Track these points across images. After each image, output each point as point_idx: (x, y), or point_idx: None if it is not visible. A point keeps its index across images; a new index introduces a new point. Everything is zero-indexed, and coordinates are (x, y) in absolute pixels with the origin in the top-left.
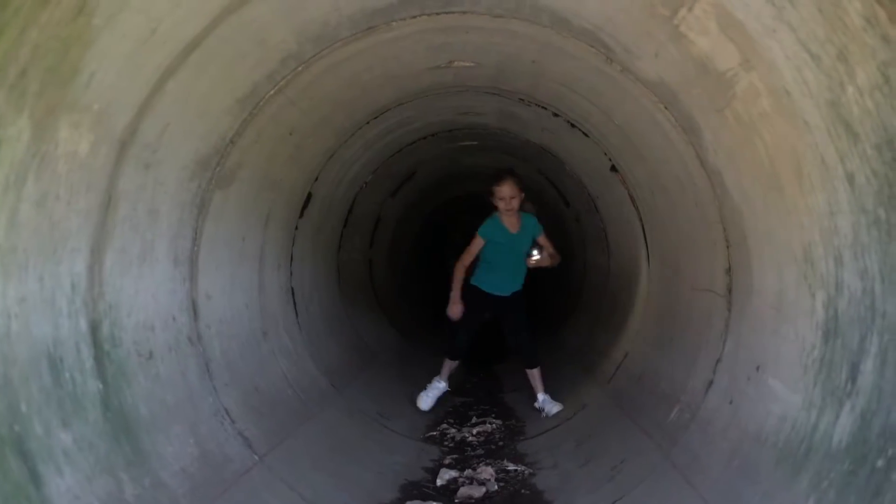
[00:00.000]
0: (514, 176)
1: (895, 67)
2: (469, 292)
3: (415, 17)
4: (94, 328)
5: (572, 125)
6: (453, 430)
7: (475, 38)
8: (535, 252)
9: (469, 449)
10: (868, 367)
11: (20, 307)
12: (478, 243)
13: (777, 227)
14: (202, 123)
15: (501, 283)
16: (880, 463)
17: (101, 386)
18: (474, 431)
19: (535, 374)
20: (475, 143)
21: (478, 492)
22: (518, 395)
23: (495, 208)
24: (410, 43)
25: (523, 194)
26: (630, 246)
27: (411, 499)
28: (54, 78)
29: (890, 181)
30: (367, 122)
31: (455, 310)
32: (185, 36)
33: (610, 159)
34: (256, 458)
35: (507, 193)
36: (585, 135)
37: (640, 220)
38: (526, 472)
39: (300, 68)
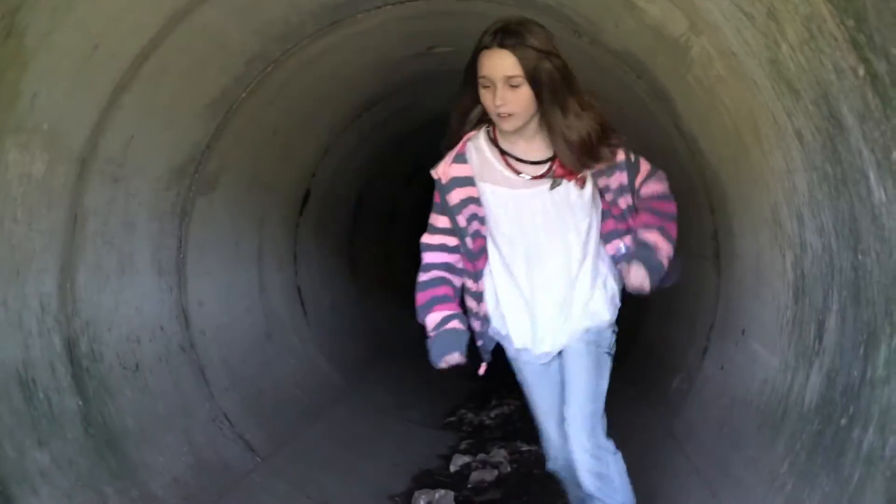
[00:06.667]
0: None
1: (816, 22)
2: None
3: (378, 7)
4: (71, 346)
5: None
6: (471, 415)
7: (448, 22)
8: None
9: (486, 432)
10: (832, 324)
11: None
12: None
13: (749, 190)
14: (171, 132)
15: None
16: (843, 421)
17: (80, 402)
18: (492, 415)
19: None
20: None
21: (490, 475)
22: None
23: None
24: (383, 33)
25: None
26: None
27: (423, 487)
28: None
29: (831, 136)
30: (360, 115)
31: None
32: (132, 49)
33: None
34: (259, 460)
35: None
36: None
37: None
38: (539, 451)
39: (270, 68)
